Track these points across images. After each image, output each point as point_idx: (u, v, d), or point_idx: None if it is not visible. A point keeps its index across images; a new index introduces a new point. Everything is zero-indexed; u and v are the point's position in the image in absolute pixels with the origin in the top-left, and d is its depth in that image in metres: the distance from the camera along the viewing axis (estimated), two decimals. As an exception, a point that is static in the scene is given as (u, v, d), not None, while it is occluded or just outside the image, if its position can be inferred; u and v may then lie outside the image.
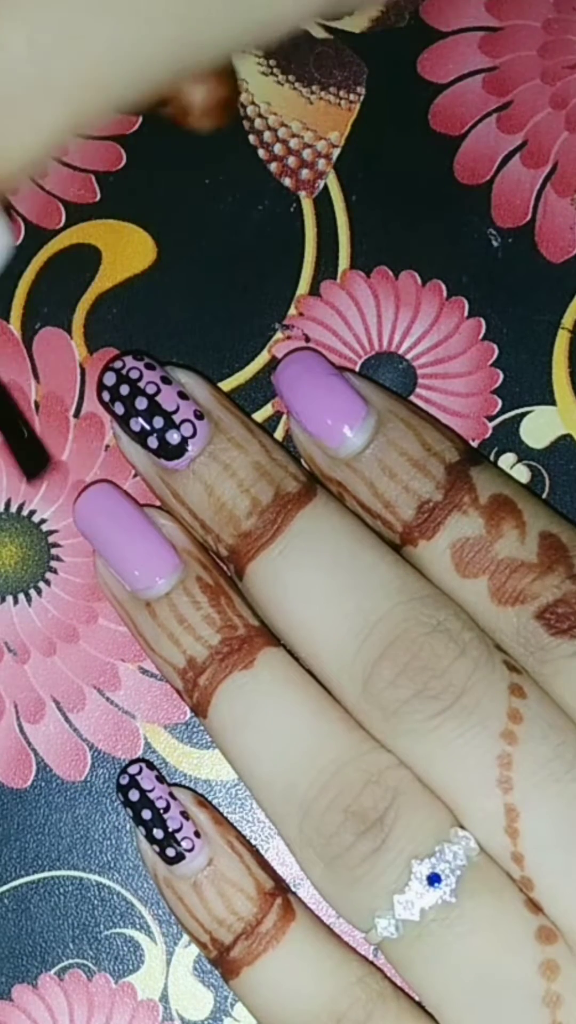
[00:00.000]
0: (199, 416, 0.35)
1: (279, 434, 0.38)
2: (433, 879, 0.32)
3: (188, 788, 0.37)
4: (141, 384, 0.35)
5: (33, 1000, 0.38)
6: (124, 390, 0.35)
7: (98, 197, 0.38)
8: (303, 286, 0.38)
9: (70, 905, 0.38)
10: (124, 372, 0.35)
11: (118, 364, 0.35)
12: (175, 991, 0.38)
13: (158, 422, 0.35)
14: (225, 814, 0.37)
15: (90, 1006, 0.38)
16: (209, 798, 0.37)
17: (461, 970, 0.32)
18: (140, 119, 0.38)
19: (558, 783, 0.32)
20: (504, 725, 0.33)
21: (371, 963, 0.35)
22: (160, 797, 0.36)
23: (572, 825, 0.32)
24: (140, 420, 0.35)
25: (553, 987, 0.32)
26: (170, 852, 0.35)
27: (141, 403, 0.35)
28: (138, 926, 0.38)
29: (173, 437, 0.35)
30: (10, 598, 0.38)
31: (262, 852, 0.37)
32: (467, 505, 0.34)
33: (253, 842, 0.37)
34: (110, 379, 0.35)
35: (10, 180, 0.22)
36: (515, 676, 0.33)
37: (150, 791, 0.36)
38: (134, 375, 0.35)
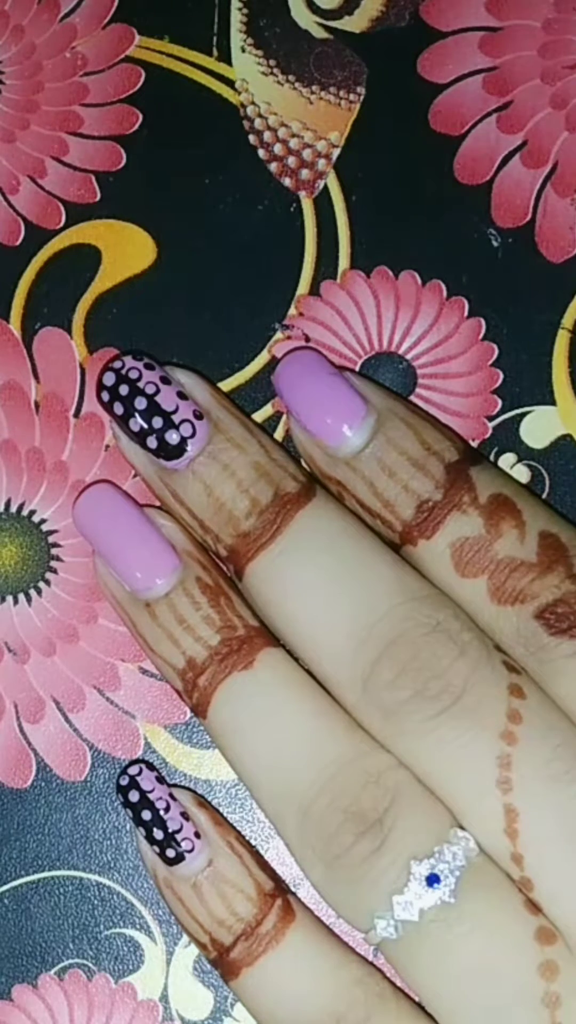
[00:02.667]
0: (198, 416, 0.35)
1: (279, 434, 0.38)
2: (432, 880, 0.32)
3: (188, 789, 0.37)
4: (140, 384, 0.35)
5: (33, 1000, 0.38)
6: (123, 390, 0.35)
7: (98, 197, 0.38)
8: (303, 286, 0.38)
9: (70, 905, 0.38)
10: (123, 372, 0.35)
11: (118, 364, 0.35)
12: (175, 991, 0.38)
13: (157, 422, 0.35)
14: (225, 814, 0.37)
15: (90, 1006, 0.38)
16: (209, 798, 0.37)
17: (460, 971, 0.32)
18: (140, 119, 0.38)
19: (558, 784, 0.32)
20: (504, 726, 0.32)
21: (371, 964, 0.35)
22: (160, 798, 0.35)
23: (572, 826, 0.32)
24: (139, 420, 0.35)
25: (552, 988, 0.32)
26: (170, 853, 0.35)
27: (140, 403, 0.35)
28: (138, 926, 0.38)
29: (172, 437, 0.35)
30: (10, 598, 0.38)
31: (262, 852, 0.37)
32: (466, 504, 0.34)
33: (253, 842, 0.37)
34: (109, 379, 0.35)
35: None
36: (515, 676, 0.33)
37: (150, 792, 0.36)
38: (133, 375, 0.35)
